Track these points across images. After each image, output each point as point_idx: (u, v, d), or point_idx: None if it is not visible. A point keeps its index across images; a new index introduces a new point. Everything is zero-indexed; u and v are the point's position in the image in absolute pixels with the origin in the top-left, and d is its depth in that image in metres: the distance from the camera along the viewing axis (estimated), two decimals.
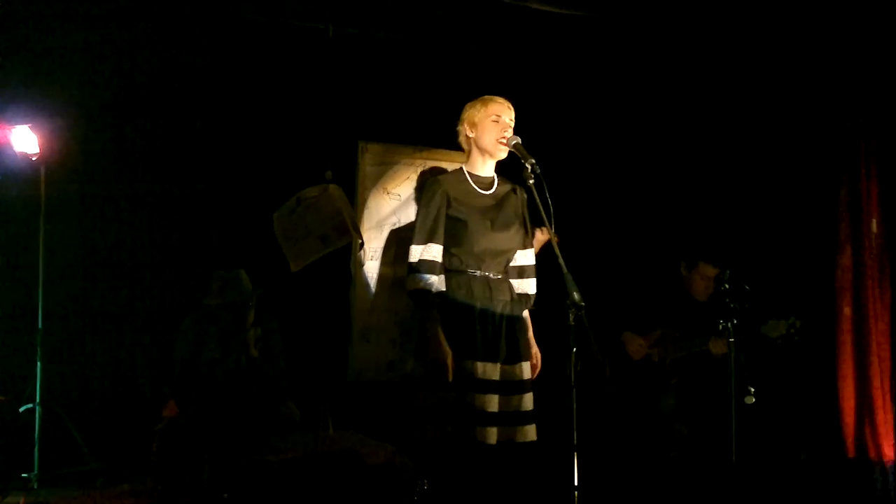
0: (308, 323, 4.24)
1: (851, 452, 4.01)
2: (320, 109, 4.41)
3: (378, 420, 3.88)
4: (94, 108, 4.28)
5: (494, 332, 3.38)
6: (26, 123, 4.04)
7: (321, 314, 4.21)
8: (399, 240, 3.89)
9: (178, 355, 3.77)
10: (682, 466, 4.02)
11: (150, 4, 4.26)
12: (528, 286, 3.52)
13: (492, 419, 3.29)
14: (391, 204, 4.05)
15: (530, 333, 3.53)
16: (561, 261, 3.10)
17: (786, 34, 4.25)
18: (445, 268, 3.39)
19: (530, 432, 3.37)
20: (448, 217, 3.39)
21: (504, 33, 4.55)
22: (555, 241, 3.16)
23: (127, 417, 4.12)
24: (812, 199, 4.23)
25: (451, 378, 3.26)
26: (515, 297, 3.48)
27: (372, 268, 3.97)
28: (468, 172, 3.50)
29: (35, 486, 3.89)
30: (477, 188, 3.47)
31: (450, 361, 3.27)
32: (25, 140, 4.04)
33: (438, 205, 3.40)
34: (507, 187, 3.53)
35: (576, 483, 3.06)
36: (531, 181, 3.23)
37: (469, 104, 3.50)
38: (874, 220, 4.04)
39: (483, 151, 3.46)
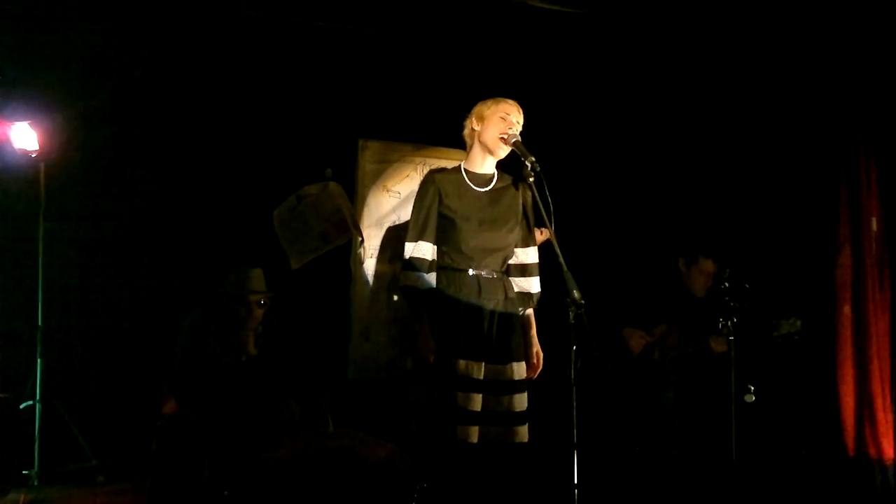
0: (308, 320, 4.24)
1: (851, 451, 4.01)
2: (320, 107, 4.41)
3: (378, 418, 3.88)
4: (94, 106, 4.27)
5: (481, 331, 3.36)
6: (26, 120, 4.04)
7: (321, 312, 4.21)
8: (399, 237, 3.89)
9: (178, 353, 3.76)
10: (682, 464, 4.03)
11: (151, 2, 4.26)
12: (530, 284, 3.51)
13: (474, 418, 3.28)
14: (391, 201, 4.05)
15: (533, 332, 3.52)
16: (561, 259, 3.10)
17: (787, 33, 4.25)
18: (438, 265, 3.40)
19: (522, 433, 3.35)
20: (440, 215, 3.41)
21: (504, 31, 4.55)
22: (553, 239, 3.17)
23: (127, 414, 4.12)
24: (812, 198, 4.22)
25: (431, 374, 3.27)
26: (512, 296, 3.47)
27: (372, 265, 3.97)
28: (465, 170, 3.50)
29: (35, 483, 3.90)
30: (473, 185, 3.47)
31: (431, 357, 3.29)
32: (25, 137, 4.04)
33: (430, 202, 3.42)
34: (508, 184, 3.52)
35: (576, 481, 3.06)
36: (531, 179, 3.24)
37: (482, 101, 3.51)
38: (874, 220, 4.04)
39: (484, 147, 3.47)
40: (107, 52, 4.28)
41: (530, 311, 3.54)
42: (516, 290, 3.50)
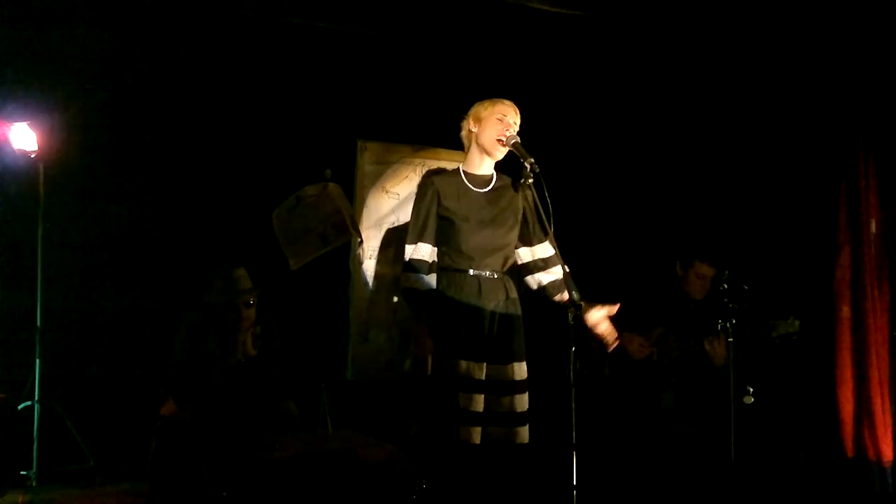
0: (307, 321, 4.24)
1: (850, 452, 4.01)
2: (319, 108, 4.41)
3: (377, 418, 3.88)
4: (93, 106, 4.27)
5: (482, 331, 3.36)
6: (25, 121, 4.04)
7: (320, 312, 4.21)
8: (398, 239, 3.89)
9: (176, 354, 3.76)
10: (681, 466, 4.02)
11: (150, 2, 4.26)
12: (559, 272, 3.41)
13: (476, 419, 3.28)
14: (390, 203, 4.05)
15: (597, 313, 3.36)
16: (560, 260, 3.10)
17: (786, 35, 4.25)
18: (439, 266, 3.40)
19: (523, 433, 3.35)
20: (438, 216, 3.41)
21: (504, 32, 4.55)
22: (552, 240, 3.17)
23: (125, 415, 4.12)
24: (811, 200, 4.23)
25: (429, 373, 3.27)
26: (514, 296, 3.48)
27: (371, 266, 3.97)
28: (464, 171, 3.51)
29: (34, 484, 3.89)
30: (471, 186, 3.47)
31: (430, 358, 3.28)
32: (24, 137, 4.04)
33: (429, 204, 3.41)
34: (506, 184, 3.52)
35: (574, 482, 3.06)
36: (530, 180, 3.23)
37: (478, 102, 3.51)
38: (873, 221, 4.04)
39: (481, 149, 3.46)
40: (106, 53, 4.28)
41: (565, 294, 3.33)
42: (545, 283, 3.47)
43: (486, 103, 3.48)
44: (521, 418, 3.36)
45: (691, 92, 4.67)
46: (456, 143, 3.61)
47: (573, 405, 3.05)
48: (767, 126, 4.42)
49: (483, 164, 3.50)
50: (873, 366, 3.99)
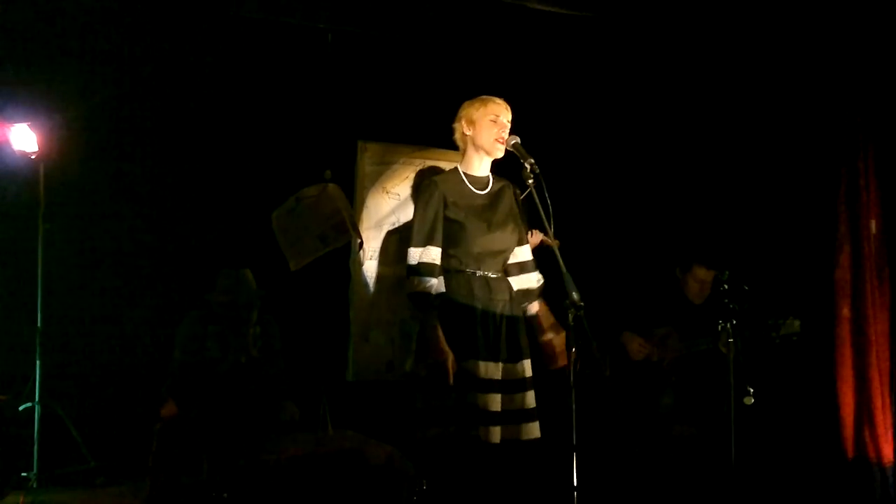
0: (307, 322, 4.24)
1: (850, 453, 4.00)
2: (319, 109, 4.41)
3: (377, 420, 3.88)
4: (94, 107, 4.27)
5: (495, 331, 3.38)
6: (25, 122, 4.04)
7: (320, 313, 4.20)
8: (398, 240, 3.89)
9: (177, 355, 3.76)
10: (681, 466, 4.02)
11: (150, 3, 4.26)
12: (529, 281, 3.53)
13: (495, 418, 3.29)
14: (390, 203, 4.04)
15: (553, 320, 3.48)
16: (560, 261, 3.10)
17: (785, 35, 4.25)
18: (444, 269, 3.40)
19: (534, 429, 3.38)
20: (445, 218, 3.40)
21: (503, 33, 4.55)
22: (555, 245, 3.17)
23: (126, 416, 4.12)
24: (811, 200, 4.23)
25: (451, 380, 3.25)
26: (514, 295, 3.49)
27: (371, 267, 3.96)
28: (464, 172, 3.51)
29: (34, 486, 3.89)
30: (473, 188, 3.48)
31: (450, 363, 3.27)
32: (25, 138, 4.04)
33: (436, 207, 3.40)
34: (501, 185, 3.54)
35: (575, 483, 3.06)
36: (530, 181, 3.23)
37: (467, 102, 3.50)
38: (873, 221, 4.03)
39: (480, 150, 3.47)
40: (107, 54, 4.28)
41: (536, 305, 3.53)
42: (516, 288, 3.51)
43: (476, 104, 3.45)
44: (533, 414, 3.39)
45: (691, 93, 4.67)
46: (456, 143, 3.61)
47: (574, 406, 3.05)
48: (767, 126, 4.42)
49: (482, 165, 3.50)
50: (874, 366, 3.98)
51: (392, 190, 4.05)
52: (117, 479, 4.00)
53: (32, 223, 4.12)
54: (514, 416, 3.35)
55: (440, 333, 3.30)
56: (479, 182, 3.49)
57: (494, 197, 3.50)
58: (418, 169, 4.03)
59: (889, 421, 3.96)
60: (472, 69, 4.51)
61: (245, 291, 3.71)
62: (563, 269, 3.08)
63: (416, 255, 3.39)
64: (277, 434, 3.59)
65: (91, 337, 4.27)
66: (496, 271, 3.45)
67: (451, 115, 3.57)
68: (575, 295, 3.01)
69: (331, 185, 3.83)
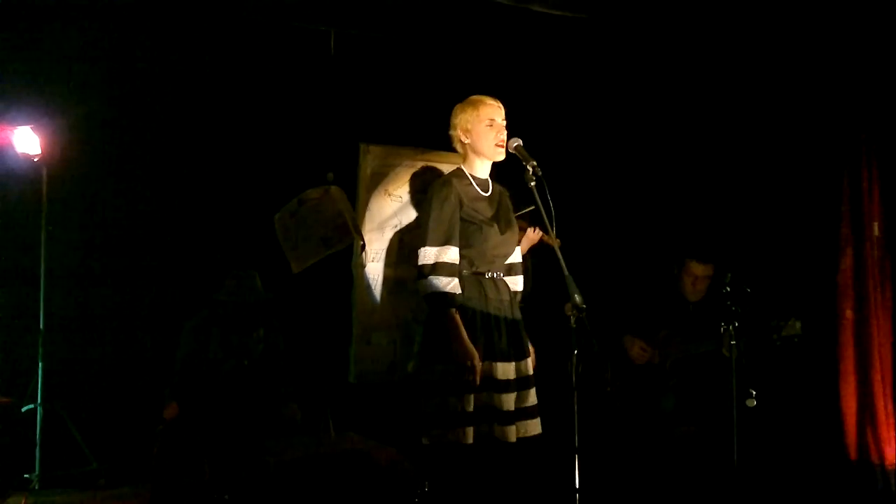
0: (309, 324, 4.24)
1: (853, 455, 4.00)
2: (322, 111, 4.42)
3: (379, 422, 3.88)
4: (96, 110, 4.28)
5: (506, 331, 3.38)
6: (28, 125, 4.05)
7: (322, 316, 4.21)
8: (400, 241, 3.89)
9: (180, 356, 3.77)
10: (684, 468, 4.02)
11: (152, 6, 4.26)
12: (518, 283, 3.55)
13: (511, 417, 3.29)
14: (392, 206, 4.04)
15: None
16: (562, 263, 3.10)
17: (788, 37, 4.25)
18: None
19: (537, 426, 3.38)
20: (461, 219, 3.38)
21: (505, 35, 4.56)
22: (556, 244, 3.17)
23: (128, 418, 4.12)
24: (814, 202, 4.23)
25: (478, 380, 3.23)
26: (512, 294, 3.50)
27: (373, 269, 3.96)
28: (469, 174, 3.50)
29: (36, 487, 3.90)
30: (479, 190, 3.48)
31: (477, 363, 3.24)
32: (27, 141, 4.05)
33: (453, 206, 3.35)
34: (499, 188, 3.54)
35: (577, 484, 3.05)
36: (532, 183, 3.22)
37: (458, 108, 3.44)
38: (876, 224, 4.03)
39: (480, 155, 3.46)
40: (109, 57, 4.29)
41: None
42: (511, 289, 3.53)
43: (469, 109, 3.40)
44: (535, 410, 3.39)
45: (694, 96, 4.67)
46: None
47: (575, 408, 3.05)
48: (770, 128, 4.42)
49: (483, 168, 3.50)
50: (876, 368, 3.98)
51: (394, 192, 4.04)
52: (119, 481, 4.00)
53: (35, 225, 4.13)
54: (524, 414, 3.35)
55: (464, 334, 3.25)
56: (483, 184, 3.50)
57: (496, 199, 3.50)
58: (420, 171, 4.03)
59: (892, 423, 3.96)
60: (474, 71, 4.51)
61: (252, 294, 3.71)
62: (566, 271, 3.07)
63: (431, 254, 3.31)
64: (279, 436, 3.59)
65: (93, 339, 4.27)
66: (502, 272, 3.47)
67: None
68: (577, 297, 3.00)
69: (333, 188, 3.83)
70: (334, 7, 4.31)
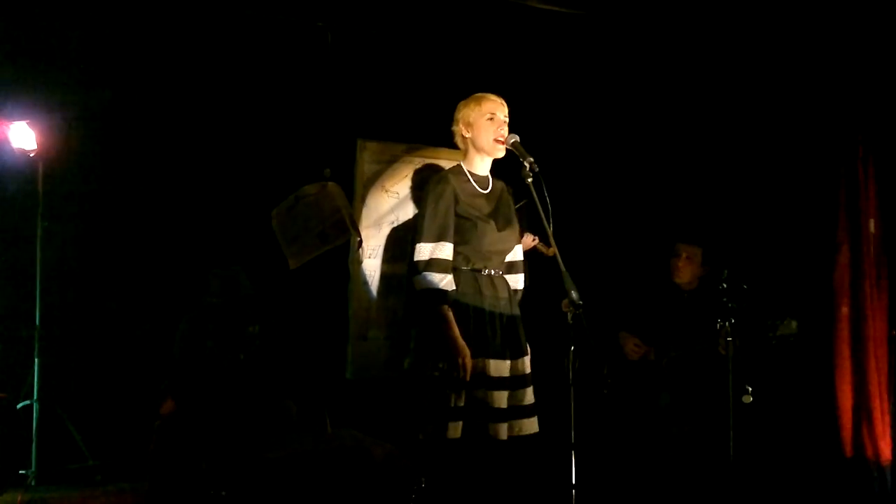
0: (306, 320, 4.24)
1: (849, 452, 4.01)
2: (319, 107, 4.41)
3: (376, 418, 3.88)
4: (93, 105, 4.27)
5: (501, 328, 3.39)
6: (24, 120, 4.03)
7: (319, 312, 4.20)
8: (398, 238, 3.89)
9: (175, 353, 3.76)
10: (680, 465, 4.03)
11: (148, 1, 4.25)
12: (519, 281, 3.55)
13: (503, 415, 3.29)
14: (390, 202, 4.04)
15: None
16: (559, 260, 3.10)
17: (785, 35, 4.25)
18: (453, 266, 3.39)
19: (533, 425, 3.40)
20: (456, 215, 3.38)
21: (503, 31, 4.55)
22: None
23: (125, 414, 4.11)
24: (810, 200, 4.23)
25: (468, 377, 3.24)
26: (512, 292, 3.51)
27: (370, 266, 3.96)
28: (468, 171, 3.50)
29: (33, 483, 3.89)
30: (477, 187, 3.48)
31: (468, 359, 3.25)
32: (23, 136, 4.04)
33: (448, 202, 3.37)
34: (500, 185, 3.54)
35: (573, 481, 3.06)
36: (529, 180, 3.23)
37: (462, 103, 3.49)
38: (872, 221, 4.04)
39: (481, 151, 3.47)
40: (105, 52, 4.27)
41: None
42: (511, 287, 3.53)
43: (472, 104, 3.44)
44: (533, 409, 3.41)
45: (692, 93, 4.67)
46: (455, 143, 3.61)
47: (572, 404, 3.06)
48: (767, 125, 4.42)
49: (483, 165, 3.50)
50: (872, 365, 3.99)
51: (391, 188, 4.05)
52: (116, 478, 4.00)
53: (31, 221, 4.11)
54: (519, 412, 3.36)
55: (457, 331, 3.27)
56: (482, 181, 3.50)
57: (497, 196, 3.51)
58: (418, 167, 4.03)
59: (887, 420, 3.97)
60: (472, 67, 4.50)
61: (237, 290, 3.71)
62: (563, 267, 3.08)
63: (426, 250, 3.34)
64: (276, 432, 3.59)
65: (90, 335, 4.26)
66: (499, 269, 3.47)
67: (451, 114, 3.56)
68: (574, 294, 3.01)
69: (330, 184, 3.83)
70: (331, 2, 4.30)
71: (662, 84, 4.75)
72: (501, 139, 3.39)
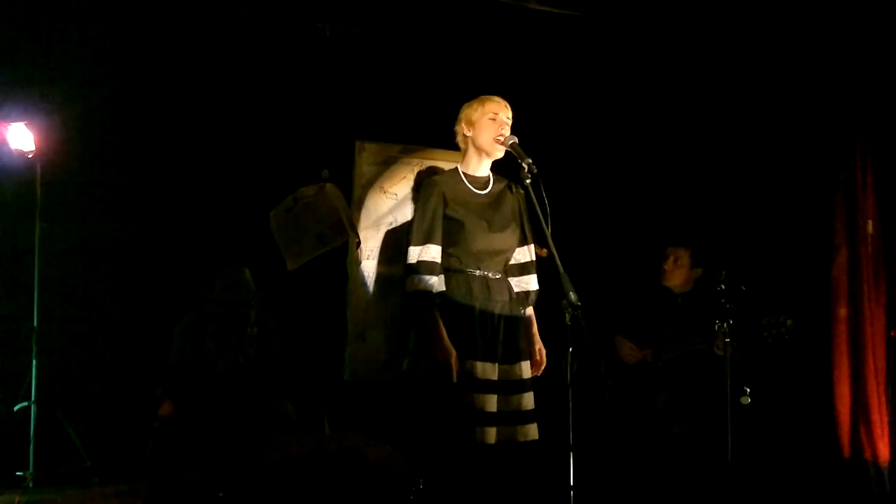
0: (304, 322, 4.24)
1: (847, 452, 4.02)
2: (317, 108, 4.41)
3: (374, 419, 3.88)
4: (91, 106, 4.26)
5: (493, 331, 3.38)
6: (22, 121, 4.03)
7: (317, 313, 4.20)
8: (396, 239, 3.89)
9: (174, 354, 3.76)
10: (678, 466, 4.03)
11: (148, 3, 4.25)
12: (529, 283, 3.54)
13: (490, 419, 3.29)
14: (388, 203, 4.04)
15: (535, 330, 3.54)
16: (557, 261, 3.10)
17: (784, 36, 4.26)
18: (444, 268, 3.40)
19: (531, 431, 3.39)
20: (445, 217, 3.40)
21: (502, 33, 4.56)
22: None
23: (123, 416, 4.11)
24: (808, 201, 4.24)
25: (455, 378, 3.25)
26: (514, 296, 3.50)
27: (368, 267, 3.96)
28: (463, 173, 3.51)
29: (30, 485, 3.88)
30: (472, 188, 3.48)
31: (454, 361, 3.26)
32: (21, 137, 4.03)
33: (435, 205, 3.40)
34: (503, 186, 3.54)
35: (571, 482, 3.06)
36: (528, 181, 3.23)
37: (467, 104, 3.51)
38: (870, 222, 4.05)
39: (480, 150, 3.47)
40: (104, 53, 4.27)
41: (530, 309, 3.55)
42: (516, 290, 3.51)
43: (475, 104, 3.47)
44: (530, 416, 3.40)
45: (690, 95, 4.67)
46: (454, 144, 3.62)
47: (570, 406, 3.06)
48: (765, 126, 4.42)
49: (481, 166, 3.50)
50: (870, 365, 4.00)
51: (390, 189, 4.04)
52: (114, 479, 3.99)
53: (29, 222, 4.11)
54: (510, 418, 3.35)
55: (443, 332, 3.29)
56: (479, 182, 3.50)
57: (495, 197, 3.50)
58: (416, 169, 4.03)
59: (885, 420, 3.98)
60: (471, 69, 4.51)
61: (243, 291, 3.71)
62: (561, 269, 3.08)
63: (414, 253, 3.38)
64: (274, 433, 3.59)
65: (87, 336, 4.26)
66: (496, 271, 3.45)
67: (450, 115, 3.57)
68: (572, 295, 3.01)
69: (328, 185, 3.83)
70: (330, 4, 4.30)
71: (661, 85, 4.75)
72: (501, 139, 3.40)
